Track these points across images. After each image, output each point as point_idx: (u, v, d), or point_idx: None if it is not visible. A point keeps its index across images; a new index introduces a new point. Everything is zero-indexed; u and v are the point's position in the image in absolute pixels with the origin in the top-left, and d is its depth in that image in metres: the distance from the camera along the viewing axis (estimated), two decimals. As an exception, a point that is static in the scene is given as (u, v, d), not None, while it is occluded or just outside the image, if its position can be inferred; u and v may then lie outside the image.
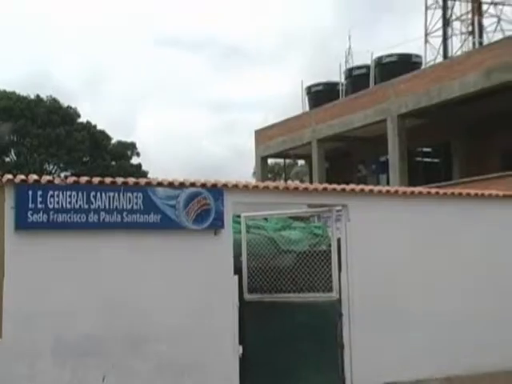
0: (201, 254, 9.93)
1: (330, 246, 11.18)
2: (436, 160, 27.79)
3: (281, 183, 11.34)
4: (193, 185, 9.96)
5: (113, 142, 49.61)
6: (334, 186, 11.25)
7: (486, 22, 34.48)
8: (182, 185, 9.90)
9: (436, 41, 35.30)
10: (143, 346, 9.37)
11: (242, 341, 10.18)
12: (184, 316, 9.70)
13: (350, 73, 29.11)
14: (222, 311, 9.99)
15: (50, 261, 9.01)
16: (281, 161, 42.60)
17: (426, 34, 35.85)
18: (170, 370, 9.50)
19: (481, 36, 33.93)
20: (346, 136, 27.06)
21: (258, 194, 10.63)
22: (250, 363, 10.52)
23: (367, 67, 28.19)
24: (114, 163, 48.17)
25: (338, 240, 11.16)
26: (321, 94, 29.57)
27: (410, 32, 44.46)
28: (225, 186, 10.21)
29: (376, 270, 11.26)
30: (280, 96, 76.10)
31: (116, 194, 9.34)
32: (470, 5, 34.04)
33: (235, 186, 10.35)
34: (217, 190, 10.06)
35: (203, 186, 10.03)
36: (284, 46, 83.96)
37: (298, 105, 31.46)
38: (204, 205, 9.89)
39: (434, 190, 12.44)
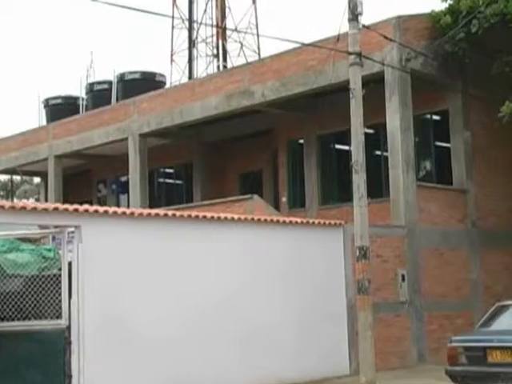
0: None
1: (61, 269, 10.97)
2: (179, 181, 28.39)
3: (6, 202, 10.91)
4: None
5: None
6: (67, 205, 11.12)
7: (230, 46, 36.21)
8: None
9: (182, 61, 36.33)
10: None
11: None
12: None
13: (91, 88, 28.83)
14: None
15: None
16: (16, 178, 40.89)
17: (172, 54, 36.73)
18: None
19: (225, 59, 35.50)
20: (86, 153, 26.67)
21: (-21, 214, 10.12)
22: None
23: (109, 83, 28.12)
24: None
25: (70, 263, 11.00)
26: (60, 108, 28.91)
27: (157, 50, 45.22)
28: None
29: (111, 294, 11.25)
30: (17, 108, 73.16)
31: None
32: (215, 29, 35.45)
33: (-48, 204, 9.75)
34: None
35: None
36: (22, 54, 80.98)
37: (34, 118, 30.58)
38: None
39: (171, 212, 12.74)
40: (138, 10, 11.48)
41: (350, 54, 13.17)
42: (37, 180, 38.68)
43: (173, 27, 36.63)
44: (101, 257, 11.21)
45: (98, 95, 28.13)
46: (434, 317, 16.82)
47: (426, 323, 16.69)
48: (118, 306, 11.29)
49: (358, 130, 13.10)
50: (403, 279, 16.31)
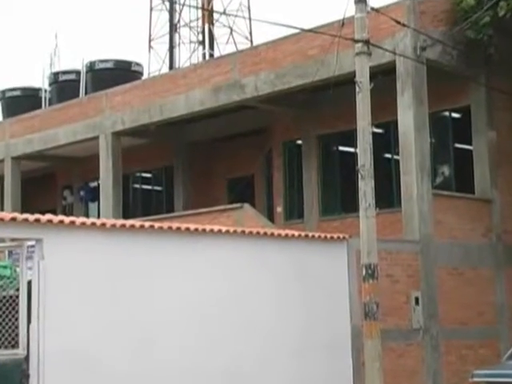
0: None
1: (18, 290, 10.94)
2: (158, 188, 28.40)
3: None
4: None
5: None
6: (26, 215, 11.10)
7: (217, 31, 36.26)
8: None
9: (162, 48, 36.34)
10: None
11: None
12: None
13: (55, 78, 28.82)
14: None
15: None
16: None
17: (150, 40, 36.74)
18: None
19: (212, 47, 35.57)
20: (50, 155, 26.69)
21: None
22: None
23: (77, 73, 28.14)
24: None
25: (30, 283, 10.96)
26: (18, 102, 28.92)
27: (133, 35, 45.28)
28: None
29: (77, 319, 11.25)
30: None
31: None
32: (200, 11, 35.49)
33: None
34: None
35: None
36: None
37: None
38: None
39: (148, 224, 12.71)
40: (110, -12, 11.43)
41: (357, 41, 13.17)
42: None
43: (151, 9, 36.70)
44: (66, 275, 11.18)
45: (64, 87, 28.17)
46: (453, 346, 16.82)
47: (444, 354, 16.68)
48: (85, 333, 11.25)
49: (365, 129, 13.09)
50: (417, 302, 16.30)
